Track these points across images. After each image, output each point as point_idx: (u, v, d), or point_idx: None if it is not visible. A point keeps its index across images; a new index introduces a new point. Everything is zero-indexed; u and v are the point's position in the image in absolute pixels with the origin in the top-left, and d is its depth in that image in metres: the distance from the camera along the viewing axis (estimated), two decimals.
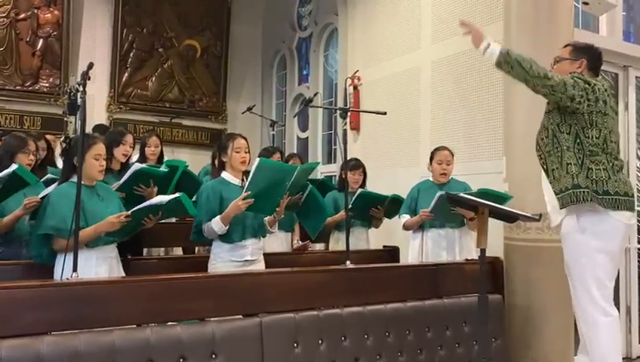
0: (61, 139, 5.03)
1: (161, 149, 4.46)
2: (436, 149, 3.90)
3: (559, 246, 2.99)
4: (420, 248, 3.80)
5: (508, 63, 2.65)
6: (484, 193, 3.26)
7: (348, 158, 3.61)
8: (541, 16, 3.36)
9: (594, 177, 2.65)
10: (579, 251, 2.69)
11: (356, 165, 4.30)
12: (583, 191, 2.63)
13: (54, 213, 2.67)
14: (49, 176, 3.69)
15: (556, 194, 2.74)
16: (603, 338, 2.64)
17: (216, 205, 3.03)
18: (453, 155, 3.84)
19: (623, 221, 2.67)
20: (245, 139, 3.20)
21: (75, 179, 2.73)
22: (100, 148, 2.85)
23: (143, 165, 3.46)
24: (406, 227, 3.84)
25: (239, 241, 3.08)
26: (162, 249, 4.71)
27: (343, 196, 4.16)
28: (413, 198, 3.87)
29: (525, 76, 2.65)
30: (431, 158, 3.89)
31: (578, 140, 2.70)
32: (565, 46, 2.96)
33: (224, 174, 3.17)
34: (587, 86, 2.69)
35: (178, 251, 4.91)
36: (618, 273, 4.30)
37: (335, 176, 6.03)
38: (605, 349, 2.63)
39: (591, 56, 2.89)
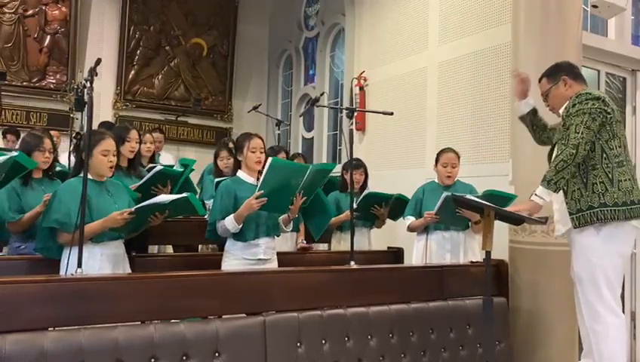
0: (73, 135, 5.06)
1: (157, 146, 4.54)
2: (442, 151, 3.86)
3: (565, 250, 2.98)
4: (424, 250, 3.78)
5: (559, 183, 2.65)
6: (490, 195, 3.25)
7: (352, 159, 3.61)
8: (550, 19, 3.34)
9: (623, 188, 2.65)
10: (591, 252, 2.68)
11: (357, 165, 4.28)
12: (610, 210, 2.63)
13: (60, 207, 2.69)
14: (58, 169, 3.71)
15: (572, 213, 2.72)
16: (612, 339, 2.63)
17: (231, 204, 3.04)
18: (459, 157, 3.80)
19: (637, 226, 2.69)
20: (262, 139, 3.20)
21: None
22: (108, 144, 2.84)
23: (162, 166, 3.47)
24: (410, 229, 3.82)
25: (252, 240, 3.08)
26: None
27: (345, 196, 4.18)
28: (418, 200, 3.84)
29: (573, 167, 2.64)
30: (436, 160, 3.85)
31: (604, 155, 2.69)
32: (539, 81, 2.95)
33: (239, 173, 3.18)
34: (600, 103, 2.66)
35: (181, 249, 4.92)
36: (623, 278, 4.31)
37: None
38: (613, 350, 2.63)
39: (567, 69, 2.88)
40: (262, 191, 2.92)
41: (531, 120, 3.10)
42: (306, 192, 3.13)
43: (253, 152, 3.13)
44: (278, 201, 3.02)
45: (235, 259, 3.07)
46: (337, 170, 4.71)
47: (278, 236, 3.27)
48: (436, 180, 3.87)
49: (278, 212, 3.15)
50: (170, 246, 4.81)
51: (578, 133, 2.64)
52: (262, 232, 3.11)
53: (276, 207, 3.06)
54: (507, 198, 3.29)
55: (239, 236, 3.06)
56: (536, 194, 2.71)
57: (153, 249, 4.65)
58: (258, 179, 3.15)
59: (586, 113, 2.65)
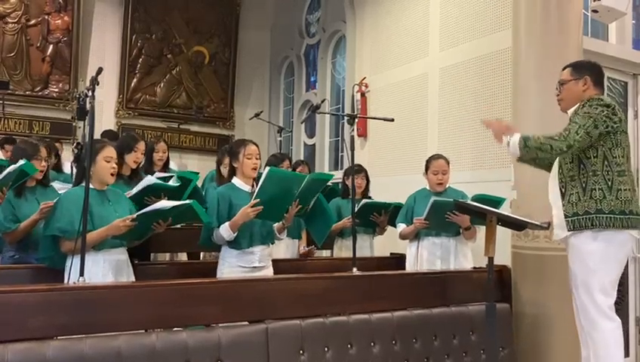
0: (73, 145, 5.08)
1: (168, 155, 4.50)
2: (431, 158, 3.83)
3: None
4: (415, 257, 3.76)
5: (530, 153, 2.63)
6: (479, 198, 3.24)
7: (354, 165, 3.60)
8: (550, 24, 3.34)
9: (622, 198, 2.63)
10: (587, 257, 2.66)
11: (358, 170, 4.23)
12: (606, 217, 2.61)
13: (62, 215, 2.70)
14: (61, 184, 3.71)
15: (568, 216, 2.70)
16: (610, 344, 2.62)
17: (226, 211, 3.04)
18: (448, 163, 3.78)
19: (634, 235, 2.69)
20: (257, 145, 3.21)
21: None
22: (110, 151, 2.87)
23: (155, 180, 3.44)
24: (402, 236, 3.80)
25: (247, 248, 3.09)
26: (167, 254, 4.73)
27: (346, 203, 4.16)
28: (409, 207, 3.82)
29: (552, 157, 2.62)
30: (426, 168, 3.82)
31: (606, 162, 2.66)
32: (564, 68, 2.90)
33: (234, 180, 3.18)
34: (609, 111, 2.64)
35: (183, 257, 4.92)
36: (628, 283, 4.29)
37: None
38: (612, 355, 2.62)
39: (593, 72, 2.84)
40: (258, 200, 2.92)
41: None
42: (301, 201, 3.12)
43: (249, 159, 3.13)
44: (274, 210, 3.02)
45: (230, 266, 3.07)
46: (339, 177, 4.73)
47: (272, 244, 3.27)
48: (427, 187, 3.85)
49: (272, 220, 3.15)
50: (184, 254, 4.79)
51: (578, 134, 2.62)
52: (256, 240, 3.11)
53: (271, 215, 3.06)
54: (496, 201, 3.28)
55: (234, 244, 3.06)
56: (508, 141, 2.69)
57: (165, 257, 4.63)
58: (253, 185, 3.16)
59: (592, 118, 2.63)
